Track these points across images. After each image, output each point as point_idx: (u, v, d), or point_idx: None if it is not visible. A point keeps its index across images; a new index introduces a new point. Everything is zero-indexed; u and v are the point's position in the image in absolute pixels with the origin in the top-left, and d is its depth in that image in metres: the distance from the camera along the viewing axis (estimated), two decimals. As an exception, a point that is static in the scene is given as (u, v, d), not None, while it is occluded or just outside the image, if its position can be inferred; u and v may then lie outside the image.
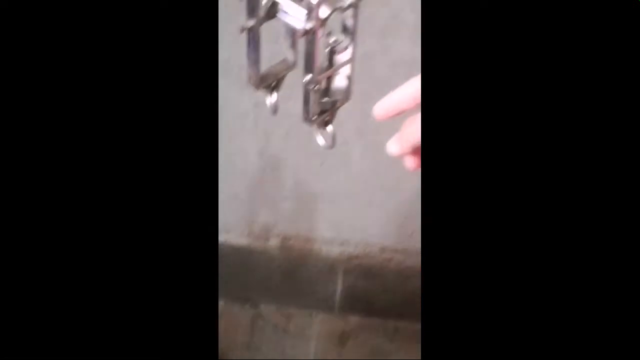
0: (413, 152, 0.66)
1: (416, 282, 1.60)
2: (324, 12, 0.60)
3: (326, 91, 0.68)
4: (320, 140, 0.71)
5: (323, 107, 0.68)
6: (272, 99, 0.71)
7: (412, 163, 0.67)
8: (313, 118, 0.68)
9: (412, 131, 0.64)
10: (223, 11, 1.37)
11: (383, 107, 0.67)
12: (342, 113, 0.74)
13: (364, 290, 1.73)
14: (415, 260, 1.65)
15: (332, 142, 0.71)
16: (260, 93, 0.71)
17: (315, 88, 0.65)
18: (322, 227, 1.67)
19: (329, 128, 0.70)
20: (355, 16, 0.63)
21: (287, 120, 1.47)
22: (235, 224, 1.70)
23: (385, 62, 1.34)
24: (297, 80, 1.44)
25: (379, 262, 1.68)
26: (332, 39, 0.64)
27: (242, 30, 0.65)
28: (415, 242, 1.63)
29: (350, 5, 0.62)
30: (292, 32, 0.68)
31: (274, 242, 1.71)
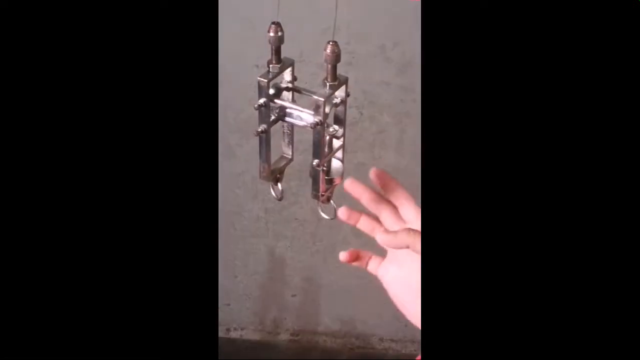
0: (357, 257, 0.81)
1: (412, 369, 1.78)
2: (328, 107, 0.73)
3: (327, 172, 0.81)
4: (322, 214, 0.82)
5: (327, 184, 0.81)
6: (279, 188, 0.84)
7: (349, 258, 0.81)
8: (322, 195, 0.80)
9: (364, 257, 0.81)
10: (236, 133, 1.63)
11: (380, 175, 0.81)
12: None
13: (366, 378, 1.90)
14: (411, 349, 1.83)
15: (334, 214, 0.83)
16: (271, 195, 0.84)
17: (323, 169, 0.77)
18: (326, 321, 1.86)
19: (331, 203, 0.82)
20: (344, 110, 0.77)
21: (293, 223, 1.69)
22: (248, 320, 1.89)
23: (376, 170, 1.57)
24: (300, 188, 1.66)
25: (378, 351, 1.85)
26: (331, 129, 0.76)
27: (257, 134, 0.78)
28: (409, 331, 1.81)
29: (342, 102, 0.76)
30: (290, 132, 0.81)
31: (283, 337, 1.89)
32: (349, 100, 0.75)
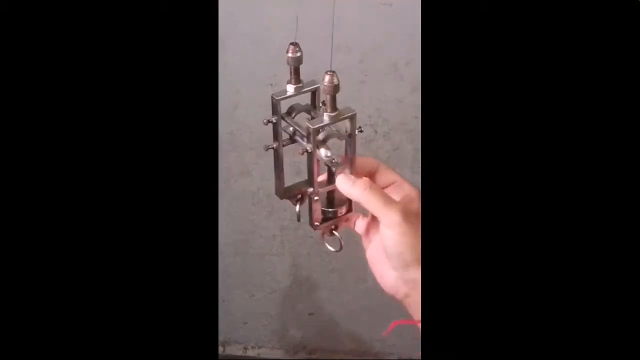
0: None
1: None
2: (322, 135, 0.70)
3: (330, 202, 0.77)
4: (328, 246, 0.80)
5: (326, 215, 0.77)
6: (297, 208, 0.81)
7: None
8: (316, 224, 0.77)
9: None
10: (251, 151, 1.63)
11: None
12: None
13: (384, 396, 1.89)
14: (429, 367, 1.82)
15: (339, 246, 0.80)
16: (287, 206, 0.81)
17: (315, 198, 0.75)
18: (343, 340, 1.85)
19: (336, 234, 0.79)
20: (352, 144, 0.72)
21: (309, 241, 1.69)
22: (266, 339, 1.88)
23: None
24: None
25: (396, 370, 1.85)
26: (332, 159, 0.73)
27: (267, 149, 0.76)
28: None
29: (349, 135, 0.72)
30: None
31: (301, 355, 1.89)
32: (363, 117, 0.73)
